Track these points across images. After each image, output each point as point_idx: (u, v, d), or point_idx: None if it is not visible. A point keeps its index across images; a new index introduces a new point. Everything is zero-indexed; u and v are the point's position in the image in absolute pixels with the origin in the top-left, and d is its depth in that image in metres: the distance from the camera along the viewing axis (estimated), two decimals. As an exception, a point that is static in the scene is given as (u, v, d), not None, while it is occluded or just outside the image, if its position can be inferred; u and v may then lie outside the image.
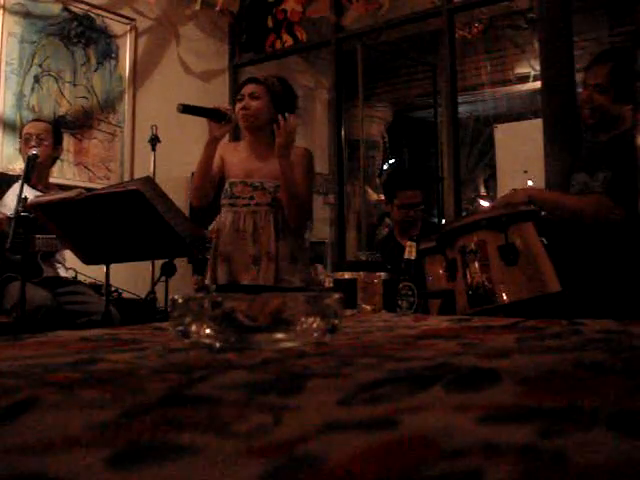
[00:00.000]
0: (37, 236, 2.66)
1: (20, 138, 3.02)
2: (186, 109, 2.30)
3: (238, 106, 2.43)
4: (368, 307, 1.67)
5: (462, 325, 1.08)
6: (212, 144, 2.35)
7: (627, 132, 2.10)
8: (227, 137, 2.49)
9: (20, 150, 3.02)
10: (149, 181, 2.11)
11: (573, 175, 2.23)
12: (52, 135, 2.97)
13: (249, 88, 2.44)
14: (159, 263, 2.83)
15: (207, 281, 2.48)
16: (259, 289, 2.29)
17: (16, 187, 2.86)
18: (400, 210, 3.19)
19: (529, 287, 1.81)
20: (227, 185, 2.45)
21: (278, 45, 4.97)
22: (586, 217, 2.03)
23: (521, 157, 5.31)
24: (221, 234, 2.43)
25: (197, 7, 4.71)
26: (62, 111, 4.12)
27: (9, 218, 2.54)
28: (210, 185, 2.43)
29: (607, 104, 2.13)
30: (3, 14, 3.87)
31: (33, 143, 2.86)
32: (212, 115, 2.32)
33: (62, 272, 2.97)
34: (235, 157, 2.48)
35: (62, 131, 3.22)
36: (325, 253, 5.26)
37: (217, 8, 4.78)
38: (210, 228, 3.52)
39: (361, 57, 4.82)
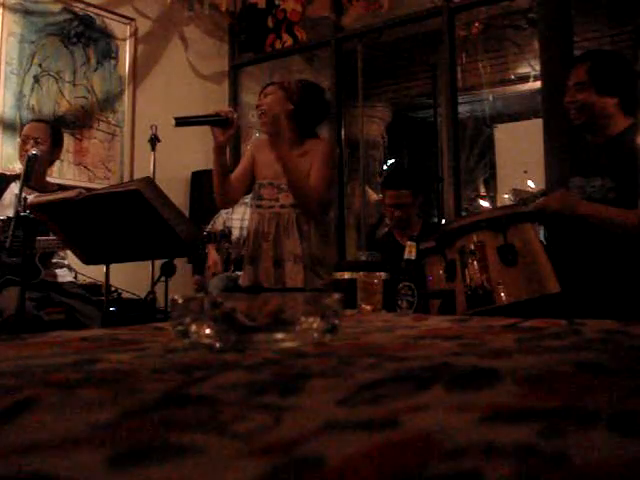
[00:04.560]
0: (37, 238, 2.66)
1: (19, 138, 3.02)
2: (181, 122, 2.18)
3: (256, 110, 2.45)
4: (368, 307, 1.67)
5: (462, 325, 1.08)
6: (219, 150, 2.29)
7: (623, 135, 2.10)
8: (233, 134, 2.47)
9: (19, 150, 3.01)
10: (149, 181, 2.11)
11: (570, 178, 2.22)
12: (50, 137, 2.94)
13: (263, 91, 2.45)
14: (159, 263, 2.83)
15: (241, 280, 2.46)
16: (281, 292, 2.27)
17: (13, 187, 2.86)
18: (387, 208, 3.21)
19: (528, 288, 1.81)
20: (256, 186, 2.43)
21: (278, 45, 4.97)
22: (631, 229, 1.98)
23: (521, 157, 5.32)
24: (248, 236, 2.42)
25: (206, 11, 4.75)
26: (62, 111, 4.12)
27: (7, 220, 2.53)
28: (231, 187, 2.39)
29: (591, 99, 2.12)
30: (3, 14, 3.87)
31: (29, 146, 2.84)
32: (212, 122, 2.26)
33: (67, 275, 2.96)
34: (264, 157, 2.44)
35: (62, 133, 3.19)
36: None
37: (222, 9, 4.80)
38: (209, 227, 3.52)
39: (361, 57, 4.82)
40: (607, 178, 2.04)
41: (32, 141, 2.86)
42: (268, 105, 2.38)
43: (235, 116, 2.30)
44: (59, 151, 3.07)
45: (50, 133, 2.95)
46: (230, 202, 2.46)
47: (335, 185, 2.54)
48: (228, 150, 2.73)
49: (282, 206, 2.36)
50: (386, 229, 3.85)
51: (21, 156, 2.90)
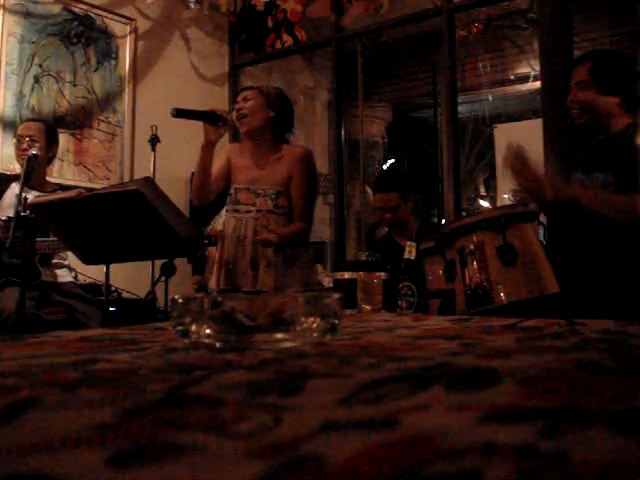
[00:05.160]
0: (37, 239, 2.66)
1: (15, 138, 3.02)
2: (180, 113, 2.29)
3: (234, 112, 2.48)
4: (368, 307, 1.67)
5: (462, 325, 1.08)
6: (208, 147, 2.36)
7: (624, 132, 2.10)
8: (224, 138, 2.51)
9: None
10: (149, 181, 2.11)
11: (570, 174, 2.22)
12: (45, 135, 2.95)
13: (242, 94, 2.52)
14: (159, 263, 2.83)
15: (210, 284, 2.51)
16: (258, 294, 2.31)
17: (14, 187, 2.86)
18: (377, 211, 3.28)
19: (527, 288, 1.81)
20: (232, 190, 2.48)
21: (278, 45, 4.97)
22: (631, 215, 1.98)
23: (521, 157, 5.31)
24: (224, 239, 2.45)
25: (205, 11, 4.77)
26: (62, 111, 4.12)
27: (7, 221, 2.53)
28: (210, 187, 2.45)
29: (592, 98, 2.12)
30: (3, 14, 3.87)
31: (25, 145, 2.85)
32: (207, 118, 2.33)
33: (67, 275, 2.96)
34: (241, 162, 2.51)
35: (57, 130, 3.20)
36: (325, 253, 5.26)
37: (223, 9, 4.80)
38: (209, 228, 3.53)
39: (361, 57, 4.82)
40: (609, 174, 2.04)
41: (27, 140, 2.87)
42: (249, 109, 2.43)
43: (230, 117, 2.36)
44: (55, 148, 3.07)
45: (44, 131, 2.95)
46: (206, 201, 2.50)
47: (316, 198, 2.63)
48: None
49: (259, 210, 2.41)
50: (386, 229, 3.86)
51: (18, 156, 2.91)
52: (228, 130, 2.45)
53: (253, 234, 2.39)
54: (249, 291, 2.36)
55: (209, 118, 2.32)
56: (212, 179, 2.46)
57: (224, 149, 2.68)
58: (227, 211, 2.50)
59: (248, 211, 2.43)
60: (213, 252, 3.57)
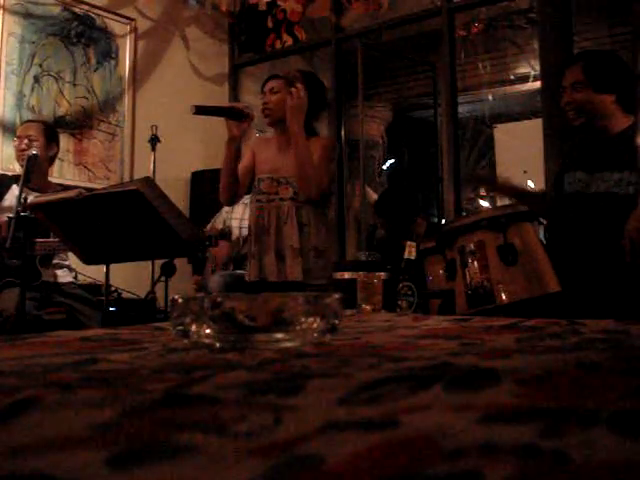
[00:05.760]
0: (38, 240, 2.65)
1: (15, 139, 3.02)
2: (200, 110, 2.25)
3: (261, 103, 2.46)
4: (368, 307, 1.67)
5: (462, 325, 1.08)
6: (232, 143, 2.34)
7: (627, 131, 2.10)
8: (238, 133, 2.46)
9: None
10: (149, 181, 2.11)
11: (568, 174, 2.21)
12: (44, 135, 2.95)
13: (269, 85, 2.47)
14: (159, 263, 2.84)
15: (246, 277, 2.46)
16: (286, 286, 2.28)
17: (14, 188, 2.86)
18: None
19: (528, 287, 1.81)
20: (256, 181, 2.46)
21: (278, 45, 4.98)
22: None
23: (521, 157, 5.32)
24: (250, 230, 2.44)
25: (209, 12, 4.78)
26: (62, 111, 4.12)
27: (9, 220, 2.53)
28: (237, 183, 2.43)
29: (589, 98, 2.12)
30: (3, 14, 3.87)
31: (23, 145, 2.85)
32: (228, 114, 2.30)
33: (67, 275, 2.96)
34: (265, 153, 2.48)
35: (57, 130, 3.19)
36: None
37: (223, 8, 4.81)
38: (209, 227, 3.52)
39: (361, 57, 4.82)
40: (626, 172, 2.03)
41: (26, 140, 2.87)
42: (274, 103, 2.40)
43: (250, 111, 2.32)
44: (56, 147, 3.06)
45: (43, 131, 2.95)
46: (235, 197, 2.48)
47: (335, 180, 2.54)
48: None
49: (282, 199, 2.38)
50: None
51: (18, 156, 2.91)
52: (250, 123, 2.40)
53: (277, 222, 2.37)
54: (277, 282, 2.32)
55: (230, 114, 2.29)
56: (240, 175, 2.44)
57: (248, 143, 2.65)
58: (251, 202, 2.49)
59: (271, 200, 2.40)
60: (215, 251, 3.57)
